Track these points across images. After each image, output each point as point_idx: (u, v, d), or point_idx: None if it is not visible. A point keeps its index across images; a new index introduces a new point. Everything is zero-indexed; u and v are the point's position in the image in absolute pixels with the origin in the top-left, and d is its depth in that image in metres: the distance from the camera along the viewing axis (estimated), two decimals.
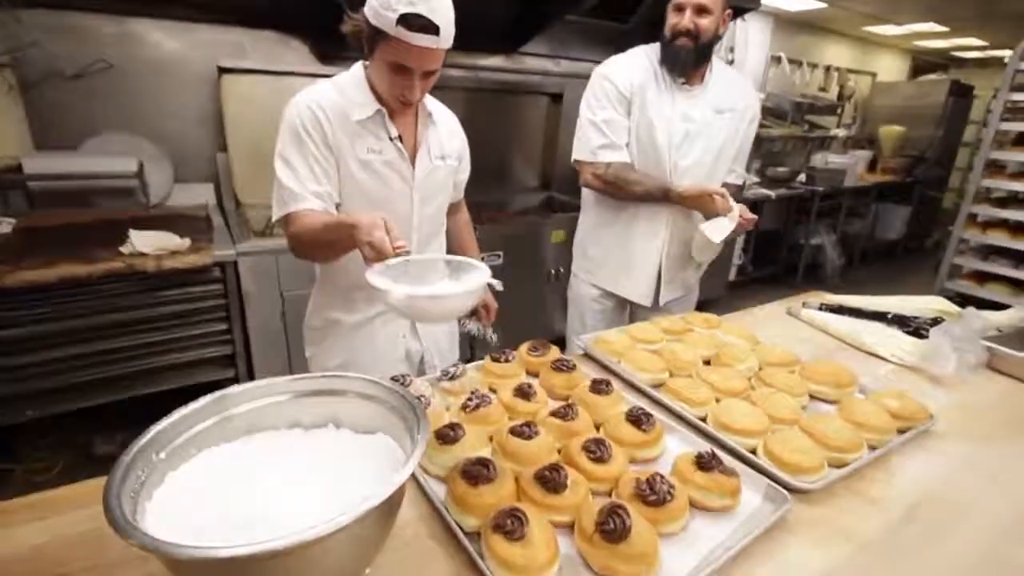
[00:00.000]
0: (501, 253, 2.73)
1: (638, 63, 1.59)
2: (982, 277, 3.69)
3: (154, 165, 2.50)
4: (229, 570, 0.51)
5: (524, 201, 3.51)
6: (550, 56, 3.44)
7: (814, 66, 5.41)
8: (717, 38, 1.50)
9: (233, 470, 0.66)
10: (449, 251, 1.55)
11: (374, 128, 1.21)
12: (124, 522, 0.50)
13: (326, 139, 1.16)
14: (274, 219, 1.20)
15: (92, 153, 2.39)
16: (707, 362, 1.21)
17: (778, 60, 4.96)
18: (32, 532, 0.71)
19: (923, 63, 6.87)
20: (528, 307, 2.83)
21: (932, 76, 6.35)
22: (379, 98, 1.20)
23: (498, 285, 0.91)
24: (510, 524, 0.63)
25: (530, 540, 0.63)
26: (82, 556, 0.67)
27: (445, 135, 1.36)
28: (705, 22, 1.46)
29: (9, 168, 2.17)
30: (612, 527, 0.64)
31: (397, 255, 0.90)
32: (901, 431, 0.98)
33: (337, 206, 1.23)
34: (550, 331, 1.90)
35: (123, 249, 1.89)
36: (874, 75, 6.20)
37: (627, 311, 1.75)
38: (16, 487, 2.06)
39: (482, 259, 1.24)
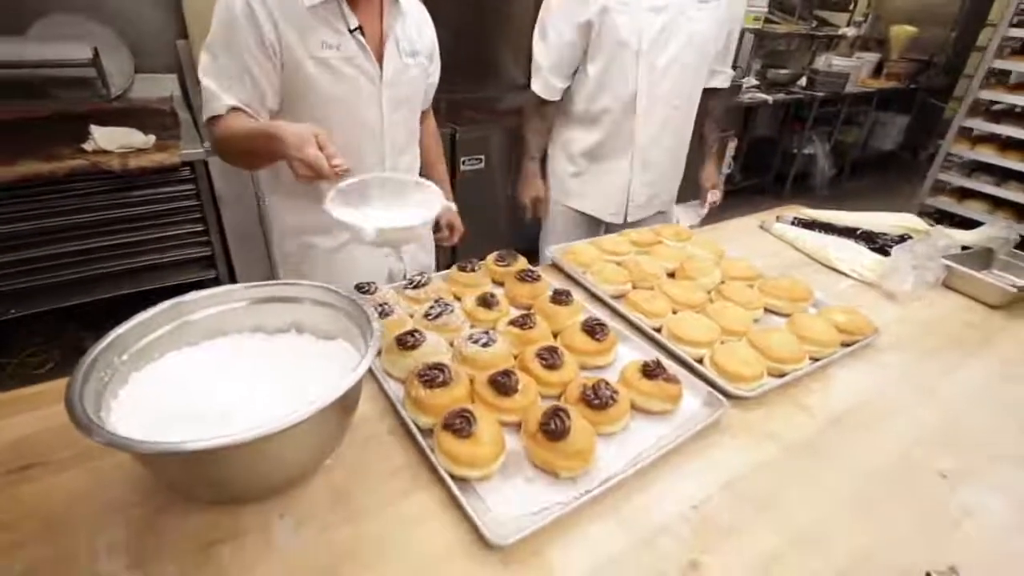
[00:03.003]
0: (483, 157, 2.66)
1: None
2: (963, 194, 3.67)
3: (111, 53, 2.33)
4: (193, 462, 0.56)
5: (511, 100, 3.33)
6: None
7: None
8: None
9: (197, 370, 0.69)
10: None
11: (329, 17, 1.05)
12: (86, 418, 0.53)
13: (262, 36, 1.01)
14: (203, 122, 1.08)
15: (42, 38, 2.21)
16: (672, 274, 1.24)
17: None
18: (18, 424, 0.75)
19: None
20: (509, 215, 2.81)
21: None
22: None
23: (452, 206, 0.94)
24: (458, 423, 0.68)
25: (477, 437, 0.68)
26: (64, 445, 0.72)
27: (414, 28, 1.21)
28: None
29: None
30: (553, 427, 0.69)
31: (337, 174, 0.85)
32: (846, 344, 1.03)
33: (274, 117, 1.10)
34: (531, 241, 1.90)
35: (86, 146, 1.81)
36: None
37: (602, 229, 1.75)
38: (15, 380, 2.15)
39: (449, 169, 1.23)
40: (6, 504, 0.64)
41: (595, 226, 1.74)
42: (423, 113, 1.43)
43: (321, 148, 0.85)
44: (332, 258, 1.28)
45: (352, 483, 0.69)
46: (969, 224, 3.25)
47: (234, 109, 1.03)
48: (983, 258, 1.41)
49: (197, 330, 0.73)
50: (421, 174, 1.42)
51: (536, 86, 1.61)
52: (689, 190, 1.84)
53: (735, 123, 4.08)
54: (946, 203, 3.67)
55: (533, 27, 1.58)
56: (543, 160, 1.74)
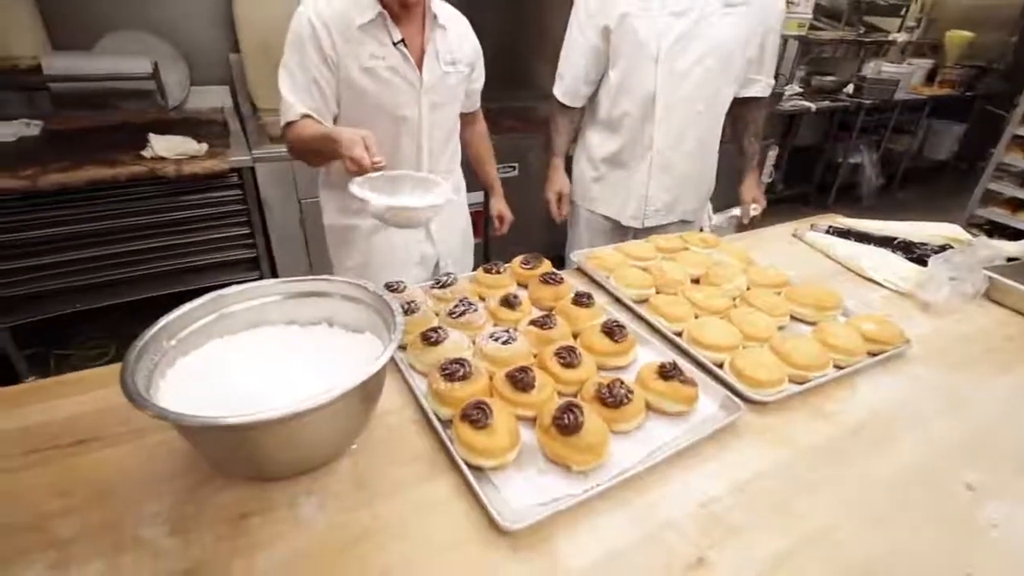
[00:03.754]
0: (516, 165, 2.71)
1: None
2: (1017, 205, 3.48)
3: (169, 66, 2.50)
4: (231, 436, 0.61)
5: (545, 110, 3.39)
6: None
7: None
8: None
9: (237, 357, 0.76)
10: (465, 163, 1.60)
11: (376, 33, 1.22)
12: (137, 395, 0.59)
13: (323, 52, 1.19)
14: (281, 127, 1.26)
15: (107, 53, 2.39)
16: (696, 281, 1.24)
17: None
18: (75, 404, 0.83)
19: None
20: (539, 223, 2.83)
21: None
22: (382, 2, 1.19)
23: (455, 195, 1.07)
24: (476, 414, 0.72)
25: (493, 429, 0.71)
26: (114, 423, 0.78)
27: (455, 40, 1.34)
28: None
29: (30, 69, 2.21)
30: (566, 422, 0.71)
31: (375, 170, 1.00)
32: (873, 354, 1.01)
33: (336, 118, 1.27)
34: (560, 247, 1.94)
35: (144, 153, 1.95)
36: None
37: (629, 234, 1.76)
38: (75, 370, 2.30)
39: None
40: (63, 473, 0.71)
41: (619, 231, 1.75)
42: (471, 115, 1.59)
43: (367, 148, 1.01)
44: (371, 238, 1.44)
45: (374, 467, 0.73)
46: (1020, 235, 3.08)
47: (305, 116, 1.21)
48: None
49: (236, 321, 0.79)
50: (472, 171, 1.66)
51: (558, 91, 1.66)
52: (726, 200, 1.83)
53: (776, 131, 4.01)
54: (998, 214, 3.50)
55: (565, 33, 1.63)
56: (569, 159, 1.78)
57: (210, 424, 0.57)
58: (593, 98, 1.67)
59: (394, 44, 1.23)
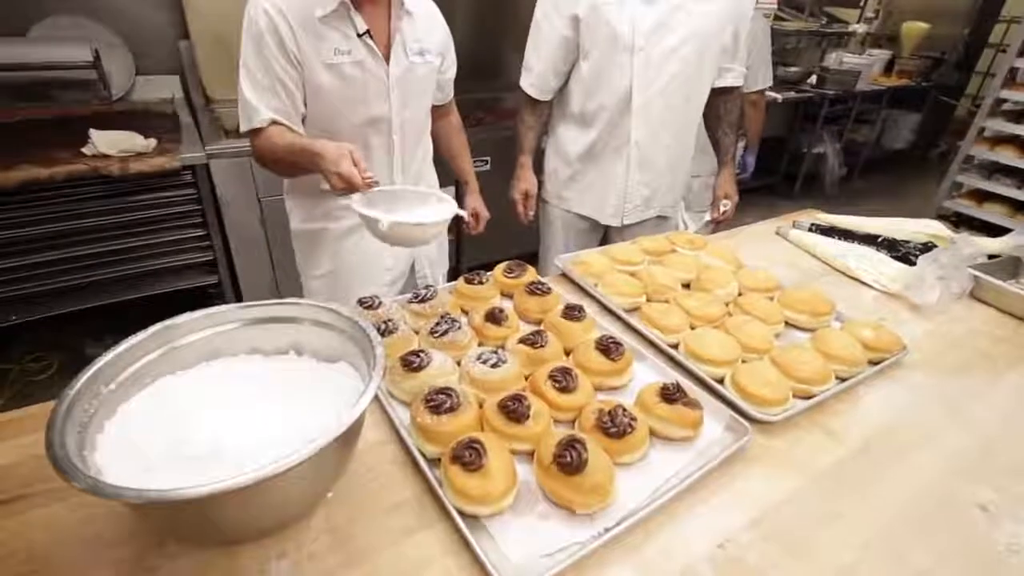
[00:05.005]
0: (488, 159, 2.62)
1: None
2: (982, 196, 3.58)
3: (112, 54, 2.29)
4: (184, 508, 0.51)
5: (514, 101, 3.30)
6: None
7: None
8: None
9: (190, 398, 0.65)
10: (437, 158, 1.51)
11: (340, 25, 1.11)
12: (66, 461, 0.49)
13: (284, 46, 1.08)
14: (240, 131, 1.15)
15: (43, 40, 2.17)
16: (687, 285, 1.19)
17: None
18: (1, 451, 0.71)
19: None
20: (513, 219, 2.77)
21: None
22: None
23: (465, 215, 1.03)
24: (468, 456, 0.64)
25: (487, 471, 0.63)
26: (49, 477, 0.67)
27: (423, 28, 1.24)
28: None
29: None
30: (568, 460, 0.64)
31: (368, 186, 0.95)
32: (873, 362, 0.98)
33: (304, 119, 1.17)
34: (535, 245, 1.86)
35: (85, 150, 1.78)
36: None
37: (600, 231, 1.70)
38: (15, 385, 2.12)
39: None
40: None
41: (593, 228, 1.69)
42: (445, 107, 1.49)
43: (355, 164, 0.96)
44: (341, 240, 1.35)
45: (353, 520, 0.64)
46: (991, 228, 3.16)
47: (273, 122, 1.11)
48: (1011, 267, 1.35)
49: (191, 352, 0.68)
50: (447, 166, 1.57)
51: (526, 84, 1.58)
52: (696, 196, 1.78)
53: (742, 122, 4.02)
54: (965, 206, 3.58)
55: None
56: (539, 157, 1.70)
57: (157, 500, 0.47)
58: (563, 91, 1.59)
59: (359, 36, 1.12)
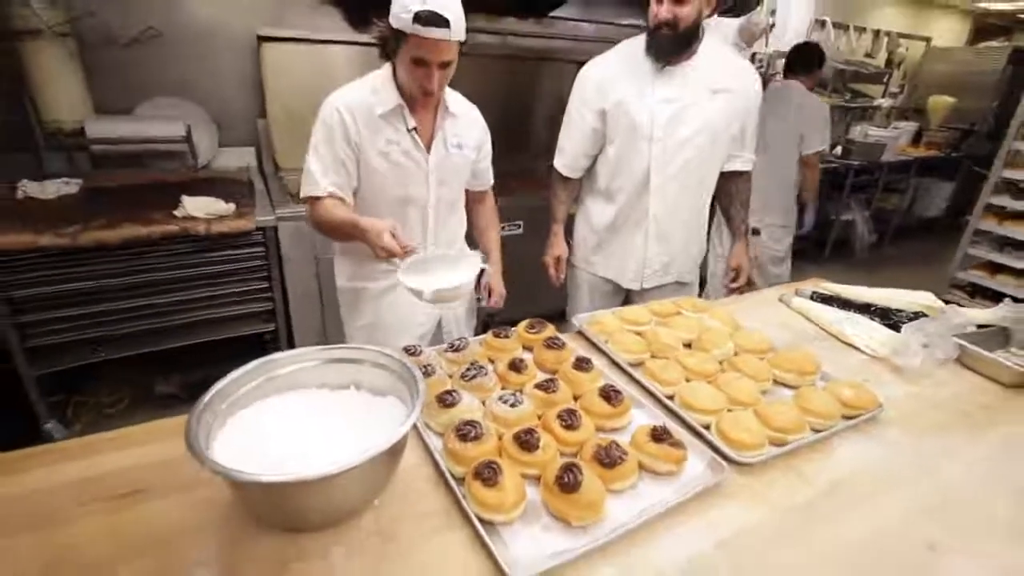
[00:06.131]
0: (521, 223, 2.86)
1: (617, 56, 1.67)
2: (995, 268, 3.62)
3: (200, 128, 2.70)
4: (273, 491, 0.71)
5: (543, 168, 3.56)
6: (581, 20, 3.44)
7: (862, 30, 5.17)
8: (697, 25, 1.53)
9: (277, 419, 0.86)
10: (473, 232, 1.72)
11: (394, 120, 1.38)
12: (203, 455, 0.69)
13: (349, 137, 1.35)
14: (301, 196, 1.41)
15: (145, 117, 2.59)
16: (688, 345, 1.35)
17: (822, 24, 4.76)
18: (116, 459, 0.91)
19: (986, 26, 6.44)
20: (543, 279, 2.97)
21: (993, 43, 5.96)
22: (403, 94, 1.35)
23: (489, 268, 1.23)
24: (487, 473, 0.81)
25: (502, 487, 0.80)
26: (158, 478, 0.87)
27: (463, 126, 1.50)
28: (685, 11, 1.48)
29: (74, 131, 2.40)
30: (567, 480, 0.80)
31: (406, 254, 1.15)
32: (848, 417, 1.10)
33: (355, 192, 1.42)
34: (561, 303, 2.05)
35: (177, 212, 2.09)
36: (928, 40, 5.87)
37: (623, 294, 1.89)
38: (90, 414, 2.39)
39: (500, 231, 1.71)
40: (116, 521, 0.79)
41: (616, 291, 1.87)
42: (481, 194, 1.71)
43: (394, 236, 1.17)
44: (380, 298, 1.58)
45: (395, 522, 0.81)
46: (1000, 296, 3.20)
47: (330, 193, 1.36)
48: (1000, 337, 1.46)
49: (277, 384, 0.89)
50: (477, 240, 1.76)
51: (559, 164, 1.81)
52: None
53: None
54: (978, 276, 3.63)
55: (563, 101, 1.79)
56: (569, 224, 1.92)
57: (263, 482, 0.66)
58: (591, 170, 1.82)
59: (408, 130, 1.39)
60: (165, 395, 2.45)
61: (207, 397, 0.78)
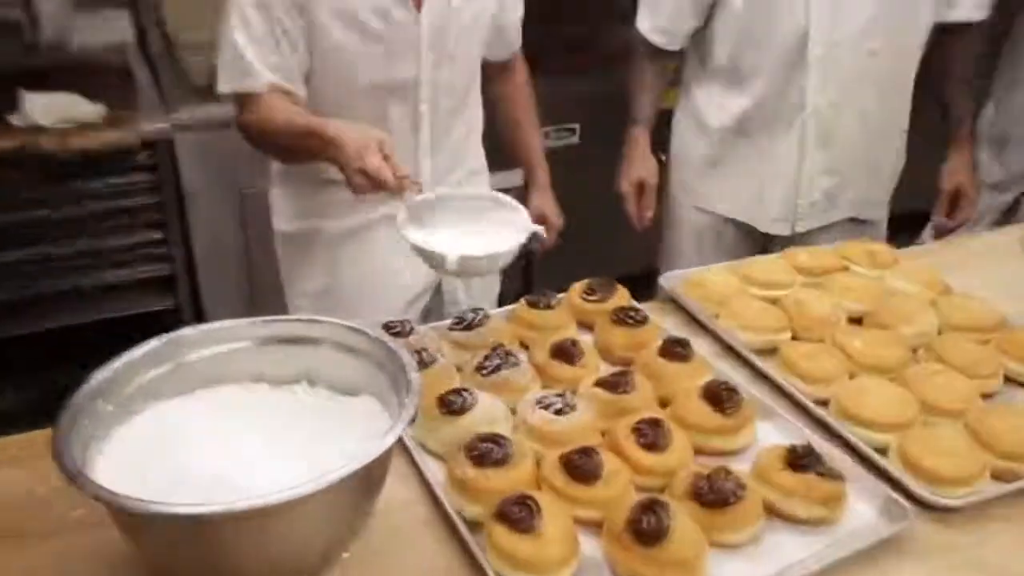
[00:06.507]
0: (576, 127, 2.90)
1: None
2: None
3: None
4: (185, 530, 0.78)
5: (615, 40, 3.52)
6: None
7: None
8: None
9: (189, 428, 0.93)
10: (496, 128, 1.78)
11: None
12: (78, 473, 0.77)
13: None
14: (219, 90, 1.44)
15: None
16: (858, 320, 1.37)
17: None
18: None
19: None
20: (612, 218, 2.96)
21: None
22: None
23: (547, 240, 1.24)
24: (517, 512, 0.86)
25: (541, 533, 0.86)
26: (18, 517, 0.97)
27: None
28: None
29: None
30: (645, 526, 0.85)
31: (403, 187, 1.16)
32: None
33: (306, 79, 1.44)
34: (640, 258, 2.08)
35: (12, 119, 2.18)
36: None
37: (759, 244, 1.90)
38: None
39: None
40: None
41: (746, 238, 1.90)
42: (507, 64, 1.74)
43: (385, 158, 1.16)
44: (343, 245, 1.64)
45: None
46: None
47: (272, 86, 1.36)
48: None
49: (190, 376, 0.96)
50: (507, 140, 1.81)
51: (646, 26, 1.81)
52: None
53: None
54: None
55: None
56: (659, 131, 1.94)
57: (170, 515, 0.74)
58: (702, 35, 1.82)
59: None
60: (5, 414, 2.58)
61: (85, 391, 0.86)
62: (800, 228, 1.83)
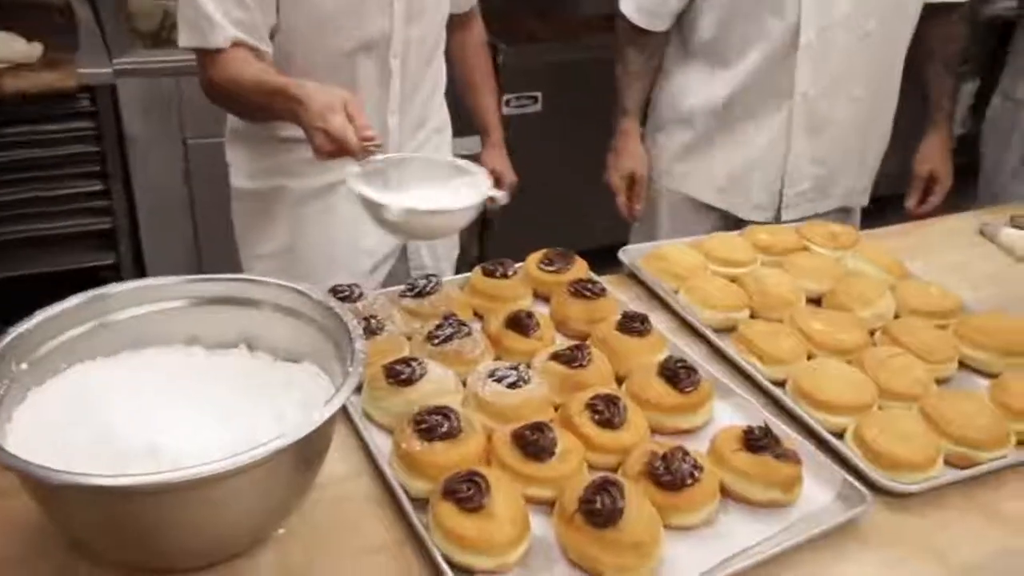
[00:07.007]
0: (538, 95, 2.83)
1: None
2: None
3: None
4: (108, 504, 0.72)
5: (580, 7, 3.50)
6: None
7: None
8: None
9: (113, 392, 0.87)
10: (454, 87, 1.74)
11: None
12: None
13: None
14: (181, 44, 1.37)
15: None
16: (817, 301, 1.36)
17: None
18: None
19: None
20: (576, 191, 2.83)
21: None
22: None
23: (502, 199, 1.18)
24: (465, 490, 0.82)
25: (490, 512, 0.82)
26: None
27: None
28: None
29: None
30: (598, 506, 0.82)
31: (366, 150, 1.12)
32: None
33: (272, 35, 1.38)
34: (602, 232, 2.04)
35: None
36: None
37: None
38: None
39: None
40: None
41: (727, 225, 1.83)
42: (463, 17, 1.69)
43: (350, 119, 1.11)
44: (304, 205, 1.59)
45: (312, 565, 0.84)
46: None
47: (236, 43, 1.30)
48: None
49: (115, 338, 0.91)
50: (462, 101, 1.79)
51: (629, 7, 1.75)
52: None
53: (977, 54, 4.08)
54: None
55: None
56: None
57: (89, 486, 0.68)
58: (686, 16, 1.76)
59: None
60: None
61: None
62: (786, 217, 1.79)
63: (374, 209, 1.12)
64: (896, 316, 1.32)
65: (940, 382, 1.18)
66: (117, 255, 2.43)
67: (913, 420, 1.05)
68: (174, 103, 2.32)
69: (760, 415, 1.06)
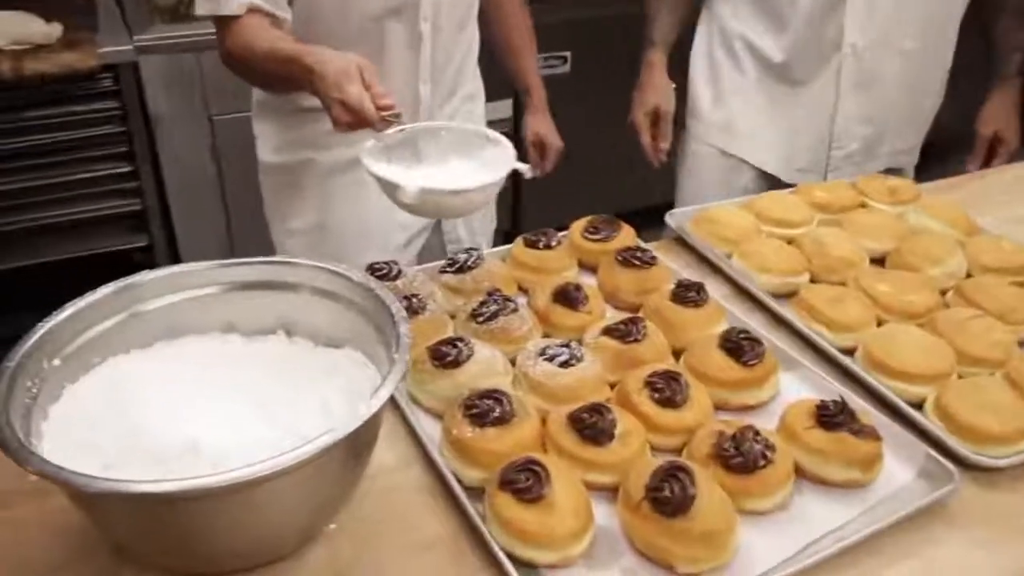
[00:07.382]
0: (567, 55, 2.77)
1: None
2: None
3: None
4: (150, 510, 0.68)
5: None
6: None
7: None
8: None
9: (149, 386, 0.83)
10: (484, 50, 1.68)
11: None
12: (18, 445, 0.66)
13: None
14: (196, 12, 1.34)
15: None
16: (880, 260, 1.30)
17: None
18: None
19: None
20: (607, 155, 2.79)
21: None
22: None
23: (527, 172, 1.13)
24: (524, 480, 0.78)
25: (551, 504, 0.77)
26: None
27: None
28: None
29: None
30: (668, 494, 0.77)
31: (384, 120, 1.07)
32: None
33: (291, 1, 1.34)
34: (646, 196, 1.98)
35: None
36: None
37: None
38: None
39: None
40: None
41: (770, 186, 1.78)
42: None
43: (367, 87, 1.07)
44: (331, 181, 1.56)
45: (363, 562, 0.80)
46: None
47: (251, 8, 1.27)
48: None
49: (150, 327, 0.87)
50: (500, 64, 1.75)
51: None
52: None
53: None
54: None
55: None
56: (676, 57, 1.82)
57: (119, 492, 0.63)
58: None
59: None
60: None
61: (26, 347, 0.75)
62: (834, 177, 1.72)
63: (389, 189, 1.09)
64: (968, 275, 1.26)
65: (1022, 344, 1.12)
66: (150, 236, 2.42)
67: (999, 387, 0.99)
68: (196, 79, 2.29)
69: (830, 388, 1.01)
